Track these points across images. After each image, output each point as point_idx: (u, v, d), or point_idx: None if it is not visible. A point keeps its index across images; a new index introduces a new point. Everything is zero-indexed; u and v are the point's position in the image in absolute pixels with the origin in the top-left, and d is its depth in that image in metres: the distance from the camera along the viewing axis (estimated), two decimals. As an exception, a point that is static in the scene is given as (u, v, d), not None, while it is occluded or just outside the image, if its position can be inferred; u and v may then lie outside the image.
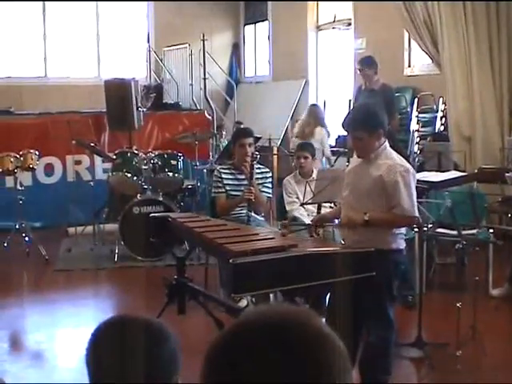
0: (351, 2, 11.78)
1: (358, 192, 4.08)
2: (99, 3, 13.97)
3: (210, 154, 9.77)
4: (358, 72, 8.46)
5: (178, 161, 7.92)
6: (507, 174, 6.57)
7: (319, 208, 5.82)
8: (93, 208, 8.16)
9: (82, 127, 9.09)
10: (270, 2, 14.14)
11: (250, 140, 6.12)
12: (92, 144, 8.44)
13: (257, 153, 6.20)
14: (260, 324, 1.11)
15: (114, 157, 7.95)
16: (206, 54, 11.10)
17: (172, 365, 1.67)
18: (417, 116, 9.53)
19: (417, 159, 8.51)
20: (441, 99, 9.28)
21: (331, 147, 10.20)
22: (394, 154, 4.11)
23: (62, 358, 5.30)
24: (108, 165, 8.58)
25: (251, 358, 1.07)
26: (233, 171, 6.16)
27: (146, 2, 14.39)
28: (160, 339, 1.67)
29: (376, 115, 4.14)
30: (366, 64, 8.25)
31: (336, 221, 5.05)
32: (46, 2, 13.54)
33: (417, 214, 4.07)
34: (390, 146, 4.14)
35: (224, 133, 11.19)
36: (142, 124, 9.27)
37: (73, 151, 8.71)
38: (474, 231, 5.93)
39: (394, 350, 4.25)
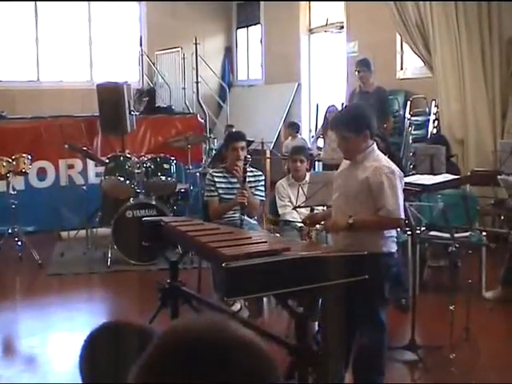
0: (343, 5, 11.80)
1: (347, 195, 4.06)
2: (91, 7, 13.96)
3: (203, 157, 9.76)
4: (356, 73, 8.52)
5: (170, 164, 7.92)
6: (500, 177, 6.58)
7: (312, 211, 5.81)
8: (86, 212, 8.15)
9: (75, 131, 9.08)
10: (262, 6, 14.15)
11: (243, 143, 6.12)
12: (84, 148, 8.42)
13: (249, 156, 6.20)
14: (182, 337, 1.11)
15: (107, 161, 7.93)
16: (199, 58, 11.13)
17: None
18: (409, 119, 9.54)
19: (409, 162, 8.52)
20: (433, 102, 9.29)
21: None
22: (382, 156, 4.08)
23: (56, 363, 5.27)
24: (101, 169, 8.55)
25: (180, 369, 1.08)
26: (225, 175, 6.15)
27: (138, 6, 14.39)
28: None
29: (363, 116, 4.10)
30: (365, 65, 8.36)
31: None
32: (38, 6, 13.52)
33: (402, 215, 4.00)
34: (382, 149, 4.13)
35: (215, 137, 11.17)
36: (135, 128, 9.26)
37: (65, 155, 8.68)
38: (467, 234, 5.94)
39: (387, 352, 4.25)
